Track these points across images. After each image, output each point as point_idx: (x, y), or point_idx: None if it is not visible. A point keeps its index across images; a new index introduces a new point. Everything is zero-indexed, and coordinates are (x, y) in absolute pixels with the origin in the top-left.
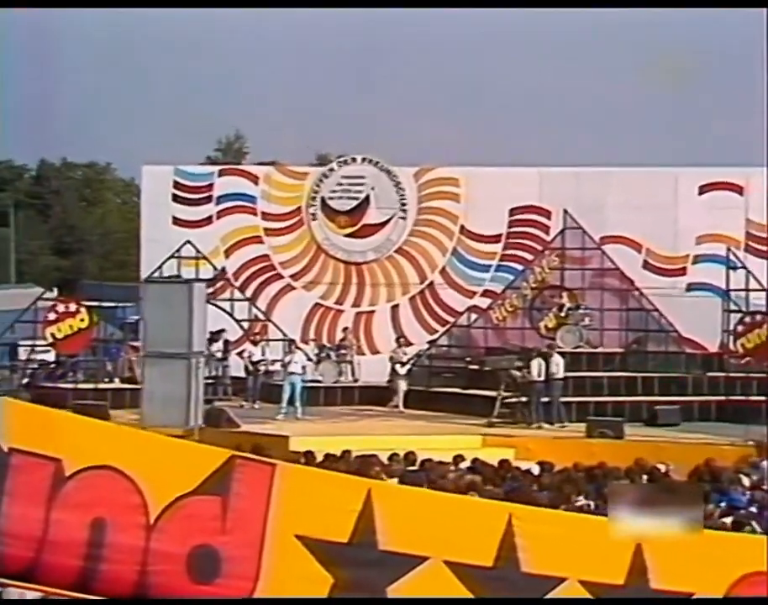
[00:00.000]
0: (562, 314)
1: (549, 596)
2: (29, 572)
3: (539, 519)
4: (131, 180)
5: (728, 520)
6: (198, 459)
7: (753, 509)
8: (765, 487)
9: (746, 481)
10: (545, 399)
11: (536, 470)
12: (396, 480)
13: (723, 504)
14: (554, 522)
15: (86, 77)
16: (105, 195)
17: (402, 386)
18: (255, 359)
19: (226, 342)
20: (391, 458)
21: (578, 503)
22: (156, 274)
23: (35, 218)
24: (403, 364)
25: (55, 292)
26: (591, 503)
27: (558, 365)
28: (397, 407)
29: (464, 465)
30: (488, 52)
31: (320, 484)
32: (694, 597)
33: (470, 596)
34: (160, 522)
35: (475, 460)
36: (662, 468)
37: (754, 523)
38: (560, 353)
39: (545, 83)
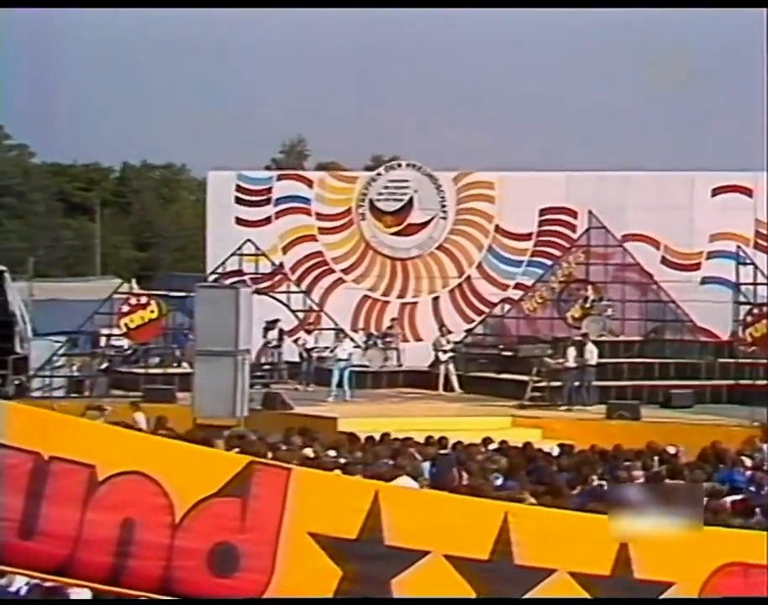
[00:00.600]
0: (587, 305)
1: (539, 586)
2: (65, 568)
3: (532, 516)
4: (203, 179)
5: (729, 500)
6: (220, 464)
7: (752, 488)
8: (765, 468)
9: (748, 462)
10: (577, 383)
11: (556, 451)
12: (428, 464)
13: (725, 484)
14: (546, 518)
15: (165, 91)
16: (180, 193)
17: (443, 371)
18: (308, 346)
19: (281, 331)
20: (426, 441)
21: (594, 484)
22: (219, 269)
23: (118, 215)
24: (445, 351)
25: (134, 283)
26: (605, 484)
27: (592, 353)
28: (449, 389)
29: (492, 446)
30: (524, 62)
31: (332, 486)
32: (674, 587)
33: (467, 586)
34: (184, 521)
35: (502, 443)
36: (672, 450)
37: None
38: (593, 342)
39: (574, 93)
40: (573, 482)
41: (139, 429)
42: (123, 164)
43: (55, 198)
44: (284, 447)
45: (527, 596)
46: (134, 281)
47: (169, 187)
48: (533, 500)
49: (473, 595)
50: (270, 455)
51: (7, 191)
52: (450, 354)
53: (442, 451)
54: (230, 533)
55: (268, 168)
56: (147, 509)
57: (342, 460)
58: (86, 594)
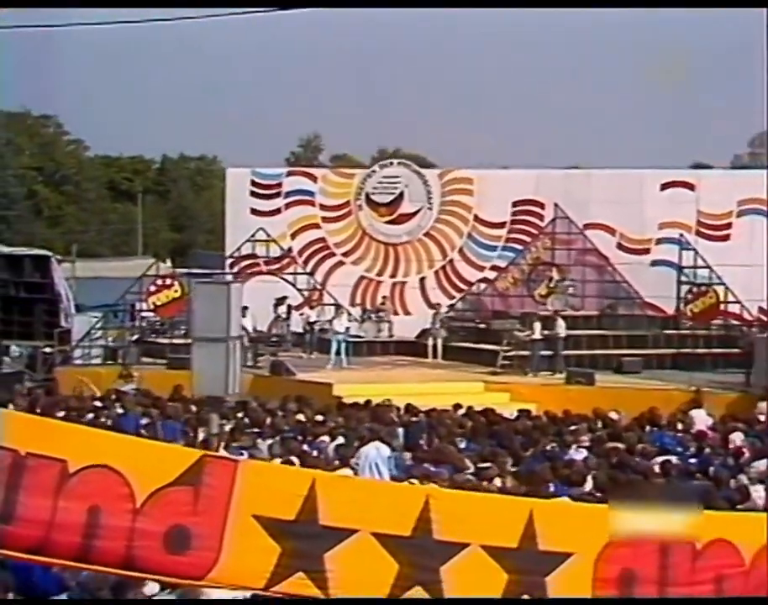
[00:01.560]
0: (552, 285)
1: (455, 558)
2: (40, 548)
3: (450, 498)
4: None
5: (659, 460)
6: (175, 457)
7: (679, 449)
8: (692, 431)
9: (679, 426)
10: (549, 353)
11: (515, 415)
12: (402, 430)
13: (656, 445)
14: (462, 500)
15: (201, 93)
16: (212, 182)
17: (431, 342)
18: (311, 320)
19: (289, 306)
20: (406, 408)
21: (544, 446)
22: (236, 253)
23: (158, 201)
24: (438, 326)
25: (168, 261)
26: (556, 446)
27: (561, 327)
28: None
29: (461, 412)
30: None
31: (274, 475)
32: (572, 557)
33: (391, 558)
34: (144, 507)
35: (469, 408)
36: (614, 416)
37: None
38: (561, 316)
39: (541, 93)
40: (526, 445)
41: (125, 394)
42: (162, 156)
43: (105, 186)
44: (280, 413)
45: (443, 567)
46: (168, 259)
47: (202, 176)
48: (470, 466)
49: (396, 566)
50: (268, 420)
51: (65, 180)
52: (439, 326)
53: (414, 418)
54: (184, 517)
55: (287, 160)
56: (111, 497)
57: (331, 424)
58: None
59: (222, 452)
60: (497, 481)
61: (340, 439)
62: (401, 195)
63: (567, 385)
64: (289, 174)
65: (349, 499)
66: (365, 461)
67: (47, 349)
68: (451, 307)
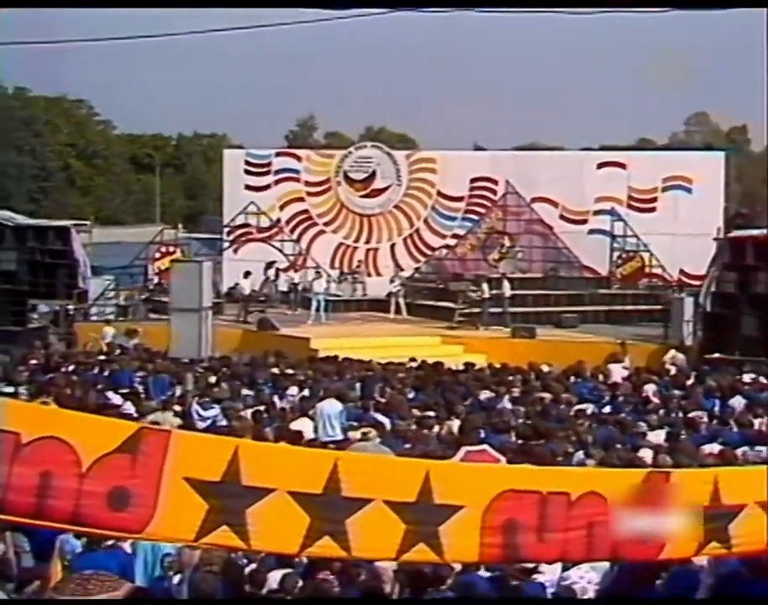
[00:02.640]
0: (503, 251)
1: (360, 511)
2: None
3: (356, 460)
4: (239, 145)
5: (575, 408)
6: (116, 429)
7: (594, 399)
8: (609, 381)
9: (601, 377)
10: (498, 310)
11: (461, 368)
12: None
13: (576, 395)
14: (367, 461)
15: (211, 77)
16: (221, 156)
17: (394, 300)
18: (295, 281)
19: (277, 269)
20: (365, 362)
21: (483, 396)
22: (235, 222)
23: (174, 173)
24: (398, 285)
25: (180, 226)
26: (492, 396)
27: (506, 287)
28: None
29: (414, 364)
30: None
31: (201, 443)
32: (462, 510)
33: (304, 513)
34: (89, 472)
35: (422, 362)
36: (546, 368)
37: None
38: (507, 279)
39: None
40: (466, 395)
41: (127, 349)
42: (178, 134)
43: (128, 160)
44: (258, 365)
45: (349, 519)
46: (180, 225)
47: (213, 151)
48: (414, 415)
49: (308, 520)
50: (247, 369)
51: (95, 155)
52: (400, 287)
53: (369, 372)
54: (123, 480)
55: (286, 137)
56: (60, 464)
57: (300, 377)
58: None
59: (195, 406)
60: (436, 429)
61: (306, 392)
62: (373, 173)
63: (512, 338)
64: (278, 154)
65: (268, 462)
66: (320, 415)
67: (68, 307)
68: (416, 270)
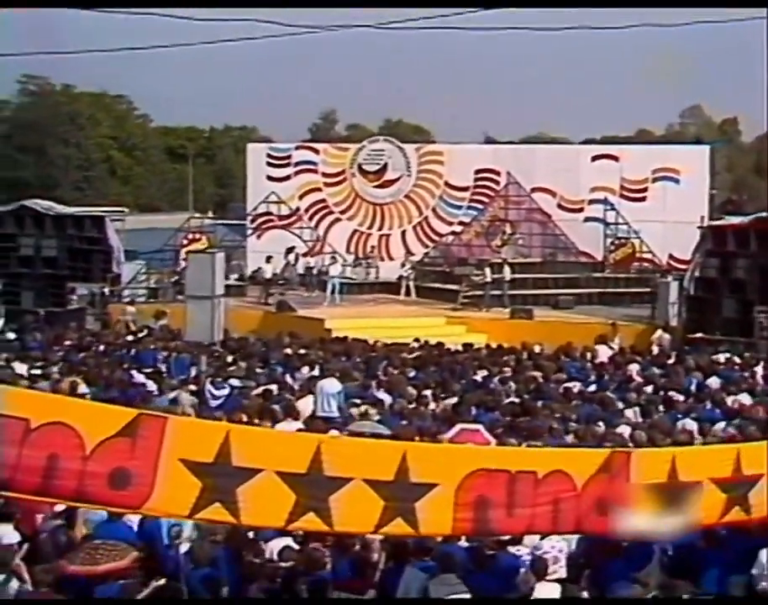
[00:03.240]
0: (505, 237)
1: (341, 489)
2: (9, 484)
3: (338, 443)
4: (267, 137)
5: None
6: (117, 416)
7: (581, 377)
8: (596, 361)
9: (588, 356)
10: (498, 293)
11: (460, 348)
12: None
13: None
14: (347, 443)
15: (243, 74)
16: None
17: (404, 282)
18: (313, 265)
19: (296, 254)
20: (370, 342)
21: (479, 375)
22: (258, 211)
23: (206, 163)
24: (408, 269)
25: (210, 213)
26: (486, 375)
27: (507, 271)
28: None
29: (417, 344)
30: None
31: (195, 428)
32: (437, 488)
33: (290, 491)
34: (92, 454)
35: (426, 342)
36: (537, 348)
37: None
38: (508, 263)
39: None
40: (462, 375)
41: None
42: (210, 126)
43: (164, 151)
44: (273, 345)
45: (332, 497)
46: (210, 211)
47: (243, 143)
48: (414, 393)
49: (293, 497)
50: (262, 350)
51: (134, 146)
52: (410, 271)
53: (373, 352)
54: (124, 461)
55: (310, 130)
56: (66, 447)
57: (312, 357)
58: None
59: (208, 386)
60: (432, 406)
61: (315, 371)
62: (386, 165)
63: (511, 319)
64: (297, 148)
65: (257, 445)
66: (320, 392)
67: (103, 290)
68: (425, 255)
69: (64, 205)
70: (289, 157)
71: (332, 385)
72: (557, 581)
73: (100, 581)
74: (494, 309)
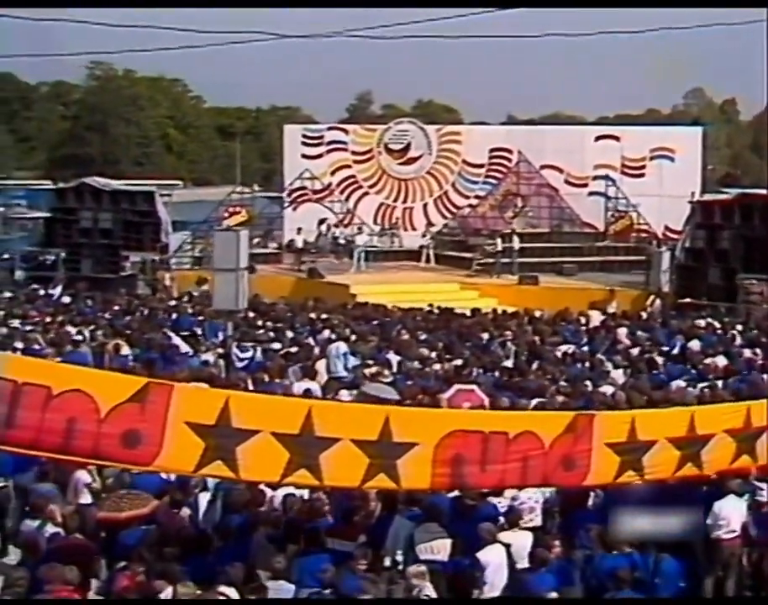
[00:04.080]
0: (517, 210)
1: (330, 448)
2: (34, 444)
3: (328, 407)
4: (309, 116)
5: (563, 348)
6: (129, 383)
7: (575, 341)
8: (591, 326)
9: (582, 320)
10: (507, 261)
11: (468, 313)
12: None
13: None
14: (335, 407)
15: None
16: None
17: (424, 251)
18: (342, 235)
19: (328, 225)
20: (385, 307)
21: (483, 338)
22: (293, 186)
23: (253, 141)
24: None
25: (255, 186)
26: (488, 338)
27: (516, 241)
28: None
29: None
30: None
31: (198, 394)
32: (417, 447)
33: (284, 450)
34: (107, 418)
35: (438, 308)
36: (538, 314)
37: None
38: (516, 234)
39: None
40: (468, 338)
41: (165, 286)
42: (257, 107)
43: (215, 129)
44: (299, 310)
45: (322, 455)
46: (255, 185)
47: (287, 121)
48: (422, 355)
49: (287, 455)
50: (289, 314)
51: (189, 125)
52: (430, 240)
53: (387, 317)
54: (135, 423)
55: (347, 110)
56: (83, 411)
57: (334, 322)
58: None
59: (234, 349)
60: (437, 366)
61: (333, 335)
62: (409, 144)
63: (519, 285)
64: (329, 129)
65: (254, 409)
66: (330, 355)
67: (153, 258)
68: (444, 226)
69: (125, 179)
70: (322, 137)
71: (339, 348)
72: (531, 529)
73: (123, 526)
74: (504, 276)
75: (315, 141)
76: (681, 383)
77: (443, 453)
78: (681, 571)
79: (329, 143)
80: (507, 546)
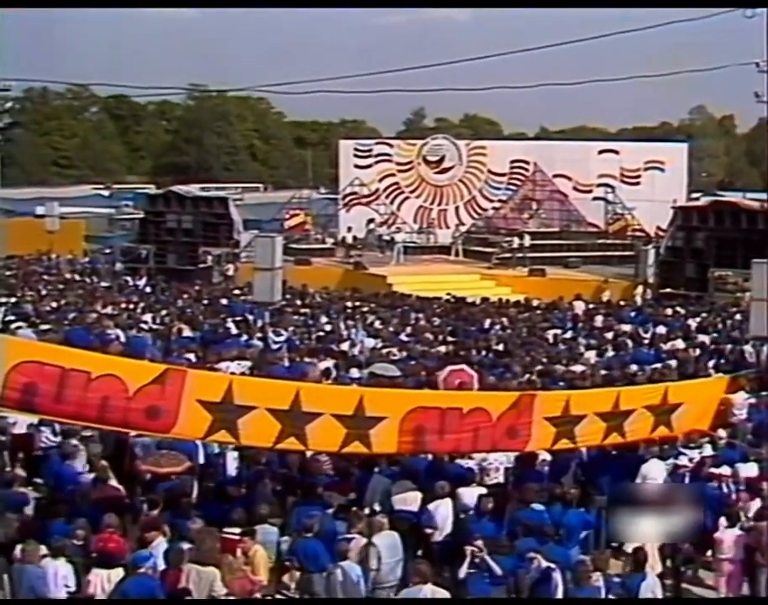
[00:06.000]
0: (532, 211)
1: (314, 421)
2: (76, 416)
3: (311, 388)
4: (374, 128)
5: (551, 332)
6: (151, 369)
7: (570, 326)
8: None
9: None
10: (521, 255)
11: (478, 301)
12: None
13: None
14: (319, 388)
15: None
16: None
17: (453, 247)
18: (386, 233)
19: (375, 225)
20: (410, 295)
21: (491, 332)
22: (348, 190)
23: (324, 149)
24: (459, 235)
25: (322, 189)
26: (489, 323)
27: (527, 239)
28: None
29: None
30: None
31: (207, 377)
32: (386, 419)
33: (276, 422)
34: (134, 396)
35: (454, 296)
36: (535, 302)
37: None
38: (528, 233)
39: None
40: (472, 322)
41: (228, 274)
42: (328, 120)
43: (293, 140)
44: (336, 297)
45: (308, 426)
46: (322, 187)
47: (354, 133)
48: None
49: (279, 426)
50: (327, 302)
51: (271, 136)
52: (459, 237)
53: (406, 305)
54: (156, 400)
55: (405, 123)
56: (115, 391)
57: (365, 309)
58: None
59: (270, 334)
60: (442, 348)
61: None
62: (443, 157)
63: (529, 277)
64: (377, 143)
65: (252, 389)
66: (351, 338)
67: (227, 252)
68: (473, 225)
69: (216, 183)
70: (370, 150)
71: (358, 331)
72: (494, 485)
73: (161, 478)
74: (518, 268)
75: (365, 154)
76: (634, 367)
77: (407, 425)
78: (584, 523)
79: (377, 155)
80: (457, 499)
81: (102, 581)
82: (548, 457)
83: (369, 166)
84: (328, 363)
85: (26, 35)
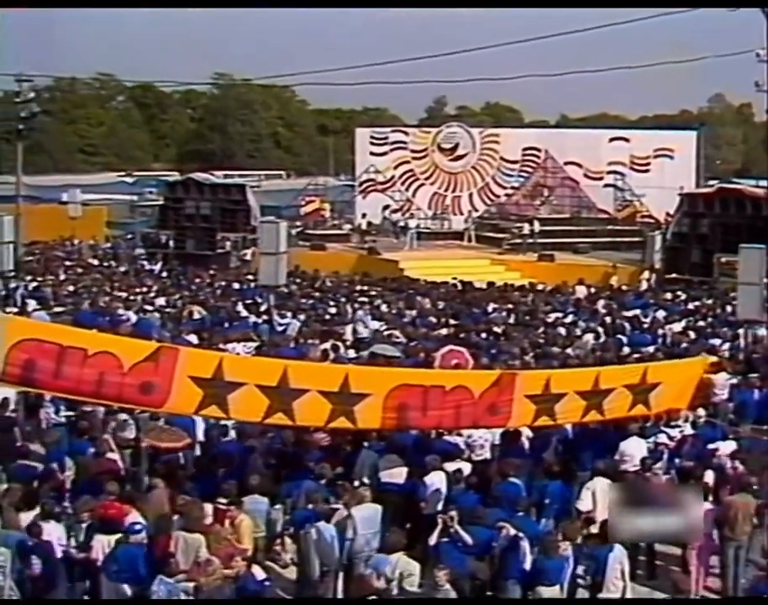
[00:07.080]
0: (544, 198)
1: (301, 397)
2: (74, 391)
3: (299, 365)
4: (395, 116)
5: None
6: (145, 346)
7: (571, 311)
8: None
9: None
10: (531, 241)
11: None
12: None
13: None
14: (307, 366)
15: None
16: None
17: (466, 232)
18: (401, 219)
19: (390, 211)
20: (411, 279)
21: (492, 315)
22: (362, 178)
23: (346, 136)
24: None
25: (342, 176)
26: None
27: (536, 225)
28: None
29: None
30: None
31: (198, 355)
32: (370, 396)
33: (264, 398)
34: (129, 372)
35: (461, 281)
36: (540, 287)
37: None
38: (537, 219)
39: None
40: (476, 306)
41: (245, 260)
42: (351, 108)
43: (316, 128)
44: (345, 281)
45: (295, 402)
46: (343, 174)
47: (377, 121)
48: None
49: (267, 402)
50: (335, 286)
51: (294, 123)
52: (472, 223)
53: (413, 289)
54: (149, 377)
55: (426, 111)
56: (110, 366)
57: (372, 293)
58: None
59: (275, 316)
60: (443, 331)
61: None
62: (457, 144)
63: (538, 261)
64: (392, 131)
65: (242, 367)
66: (355, 320)
67: (244, 238)
68: (486, 210)
69: (240, 169)
70: (386, 138)
71: (361, 314)
72: (480, 461)
73: (163, 452)
74: (528, 254)
75: (381, 141)
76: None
77: (391, 402)
78: (563, 494)
79: (393, 143)
80: (447, 473)
81: (104, 545)
82: (530, 434)
83: (385, 154)
84: (329, 344)
85: (57, 31)
